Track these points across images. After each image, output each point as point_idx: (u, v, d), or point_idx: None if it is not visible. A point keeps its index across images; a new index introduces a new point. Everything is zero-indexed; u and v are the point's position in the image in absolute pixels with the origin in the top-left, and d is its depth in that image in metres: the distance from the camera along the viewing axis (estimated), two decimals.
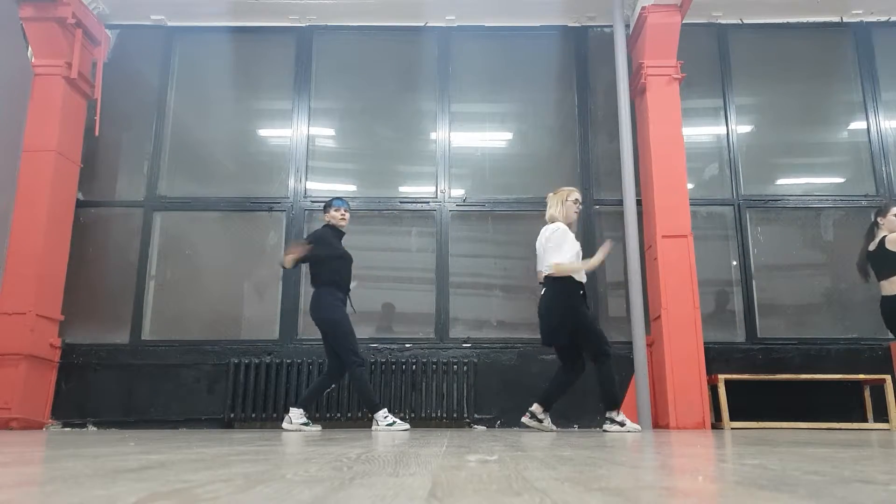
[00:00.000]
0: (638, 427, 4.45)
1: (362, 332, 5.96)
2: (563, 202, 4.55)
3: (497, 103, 6.62)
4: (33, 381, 5.40)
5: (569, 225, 4.51)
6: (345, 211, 4.89)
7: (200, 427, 5.51)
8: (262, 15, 6.46)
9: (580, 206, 4.63)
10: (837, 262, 6.00)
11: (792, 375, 5.48)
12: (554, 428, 4.55)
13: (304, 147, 6.33)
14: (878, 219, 4.79)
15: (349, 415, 5.47)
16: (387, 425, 4.57)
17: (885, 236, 4.67)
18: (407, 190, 6.41)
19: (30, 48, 5.87)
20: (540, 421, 4.47)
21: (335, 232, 4.84)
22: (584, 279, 4.47)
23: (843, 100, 6.47)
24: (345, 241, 4.90)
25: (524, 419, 4.50)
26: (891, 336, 4.75)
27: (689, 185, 5.99)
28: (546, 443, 2.59)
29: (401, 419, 5.46)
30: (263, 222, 6.17)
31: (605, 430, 4.34)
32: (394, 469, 1.34)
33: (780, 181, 6.35)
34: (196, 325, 5.93)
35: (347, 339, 4.64)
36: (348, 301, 4.82)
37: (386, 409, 4.69)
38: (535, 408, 4.49)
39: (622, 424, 4.31)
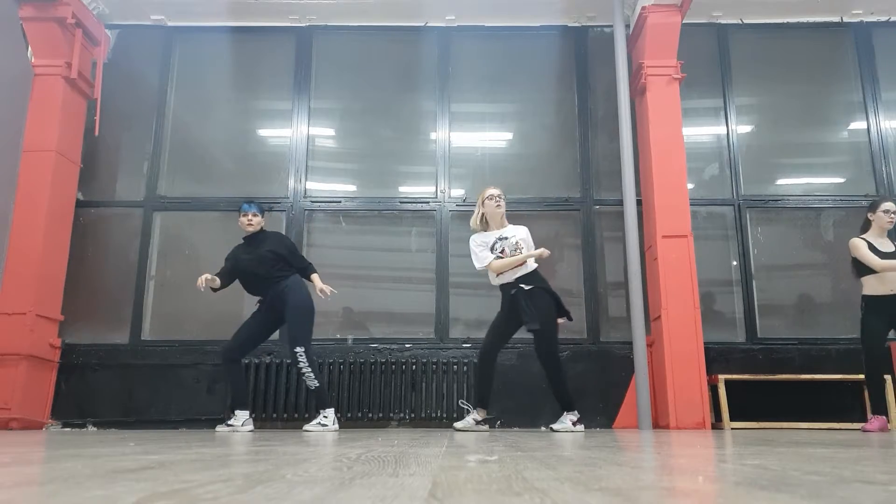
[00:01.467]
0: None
1: (360, 331, 5.97)
2: (480, 206, 4.68)
3: (497, 103, 6.61)
4: (33, 381, 5.39)
5: (494, 219, 4.64)
6: (252, 216, 4.70)
7: (200, 427, 5.50)
8: (262, 15, 6.45)
9: (499, 200, 4.65)
10: (837, 262, 5.99)
11: (792, 375, 5.48)
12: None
13: (304, 147, 6.33)
14: (869, 214, 4.79)
15: (349, 415, 5.47)
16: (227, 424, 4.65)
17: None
18: (407, 190, 6.41)
19: (30, 48, 5.87)
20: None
21: (239, 242, 4.78)
22: (508, 279, 4.53)
23: (843, 100, 6.46)
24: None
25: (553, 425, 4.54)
26: (891, 336, 4.72)
27: (689, 185, 5.98)
28: (546, 443, 2.59)
29: (399, 419, 5.49)
30: None
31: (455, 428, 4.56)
32: (394, 469, 1.34)
33: (780, 181, 6.35)
34: (196, 325, 5.92)
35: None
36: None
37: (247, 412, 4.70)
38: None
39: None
